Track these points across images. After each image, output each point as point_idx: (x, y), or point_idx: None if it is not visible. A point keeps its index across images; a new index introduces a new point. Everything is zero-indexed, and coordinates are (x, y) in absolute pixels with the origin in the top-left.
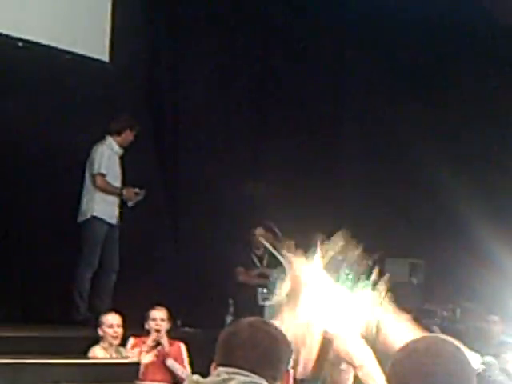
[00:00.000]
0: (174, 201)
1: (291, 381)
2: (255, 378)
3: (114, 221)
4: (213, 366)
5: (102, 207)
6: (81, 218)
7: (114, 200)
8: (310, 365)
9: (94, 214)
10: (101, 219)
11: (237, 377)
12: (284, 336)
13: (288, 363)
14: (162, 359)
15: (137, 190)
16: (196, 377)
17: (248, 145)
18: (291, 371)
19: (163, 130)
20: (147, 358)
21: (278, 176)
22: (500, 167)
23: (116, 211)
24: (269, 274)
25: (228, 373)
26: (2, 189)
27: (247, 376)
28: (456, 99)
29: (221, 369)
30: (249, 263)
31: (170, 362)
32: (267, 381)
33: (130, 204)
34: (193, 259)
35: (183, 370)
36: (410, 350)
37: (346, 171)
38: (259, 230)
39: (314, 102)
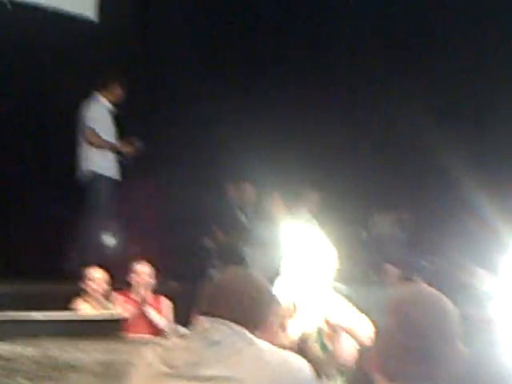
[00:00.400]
0: (162, 156)
1: (274, 331)
2: (237, 327)
3: (111, 175)
4: (196, 316)
5: (98, 161)
6: (80, 172)
7: (111, 155)
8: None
9: (93, 168)
10: (100, 174)
11: (220, 327)
12: (267, 286)
13: (271, 314)
14: (144, 317)
15: (137, 143)
16: (179, 327)
17: (234, 100)
18: (275, 322)
19: (153, 90)
20: (130, 311)
21: (262, 133)
22: (485, 120)
23: (113, 166)
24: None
25: (211, 323)
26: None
27: (230, 326)
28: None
29: (204, 319)
30: (232, 217)
31: (147, 310)
32: (250, 331)
33: (126, 160)
34: (176, 214)
35: (160, 318)
36: (395, 301)
37: (331, 126)
38: (247, 186)
39: (298, 58)
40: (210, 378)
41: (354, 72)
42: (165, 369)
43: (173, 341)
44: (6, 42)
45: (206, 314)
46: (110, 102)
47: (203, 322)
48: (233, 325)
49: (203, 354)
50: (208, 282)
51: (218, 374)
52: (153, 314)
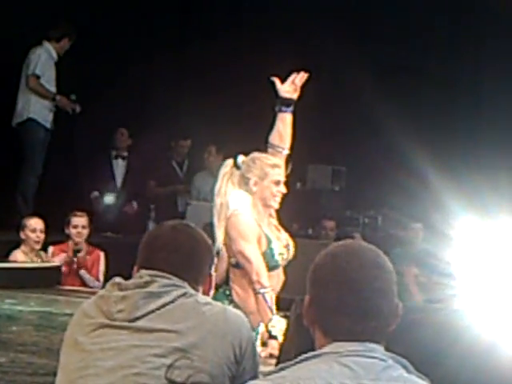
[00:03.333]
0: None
1: (213, 284)
2: (177, 280)
3: (48, 125)
4: (135, 268)
5: (37, 109)
6: (16, 120)
7: (49, 104)
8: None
9: (31, 115)
10: (37, 122)
11: (158, 279)
12: (206, 239)
13: (210, 267)
14: (77, 268)
15: (72, 96)
16: (118, 279)
17: (170, 59)
18: (214, 275)
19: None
20: (66, 264)
21: (201, 88)
22: (421, 74)
23: (50, 116)
24: (181, 190)
25: (150, 275)
26: None
27: (169, 279)
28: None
29: (143, 271)
30: (169, 170)
31: (82, 272)
32: (189, 284)
33: (73, 112)
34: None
35: (94, 281)
36: (331, 255)
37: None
38: (185, 142)
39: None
40: (148, 330)
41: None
42: (103, 319)
43: (112, 292)
44: None
45: (145, 267)
46: (56, 52)
47: (143, 274)
48: (172, 277)
49: (141, 305)
50: (146, 235)
51: (156, 325)
52: (87, 277)
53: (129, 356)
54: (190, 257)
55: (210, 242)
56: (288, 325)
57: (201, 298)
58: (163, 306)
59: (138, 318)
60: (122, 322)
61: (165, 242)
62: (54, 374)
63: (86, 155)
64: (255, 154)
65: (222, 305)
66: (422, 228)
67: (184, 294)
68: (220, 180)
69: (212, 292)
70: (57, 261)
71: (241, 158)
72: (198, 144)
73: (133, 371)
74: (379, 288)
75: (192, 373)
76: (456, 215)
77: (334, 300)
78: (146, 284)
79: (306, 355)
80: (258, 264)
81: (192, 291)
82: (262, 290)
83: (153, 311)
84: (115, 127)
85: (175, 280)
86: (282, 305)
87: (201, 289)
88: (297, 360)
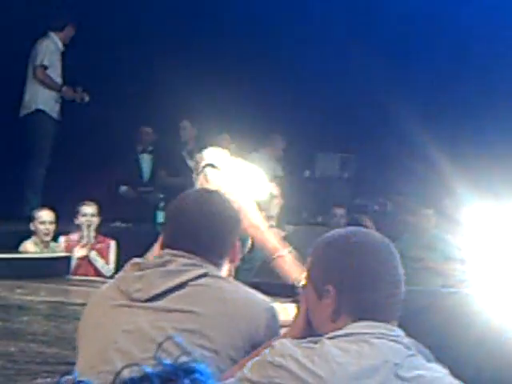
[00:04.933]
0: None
1: (237, 253)
2: (198, 260)
3: (56, 116)
4: (159, 246)
5: (45, 100)
6: (24, 112)
7: (56, 95)
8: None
9: (39, 106)
10: (45, 113)
11: (178, 258)
12: (231, 208)
13: (236, 235)
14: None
15: (78, 88)
16: (138, 259)
17: (180, 40)
18: (238, 244)
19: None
20: (80, 253)
21: (207, 75)
22: (430, 60)
23: (58, 106)
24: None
25: (170, 254)
26: None
27: (189, 258)
28: None
29: (166, 250)
30: (178, 160)
31: (92, 254)
32: (214, 260)
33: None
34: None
35: (103, 264)
36: (343, 238)
37: (276, 66)
38: (186, 124)
39: None
40: (165, 310)
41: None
42: (122, 299)
43: (131, 272)
44: None
45: (169, 246)
46: (62, 42)
47: (164, 253)
48: (193, 256)
49: (158, 283)
50: (170, 208)
51: (173, 306)
52: (97, 259)
53: (145, 338)
54: (215, 233)
55: (235, 210)
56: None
57: (222, 278)
58: (181, 285)
59: (155, 297)
60: (140, 303)
61: (188, 219)
62: (65, 363)
63: (112, 148)
64: None
65: (245, 288)
66: (433, 213)
67: (204, 274)
68: None
69: (238, 260)
70: (77, 254)
71: None
72: (208, 132)
73: (149, 355)
74: (393, 261)
75: (180, 354)
76: (466, 201)
77: (361, 278)
78: (165, 263)
79: (334, 333)
80: None
81: (213, 271)
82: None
83: (170, 290)
84: (138, 125)
85: (196, 259)
86: (289, 291)
87: (226, 260)
88: (329, 335)
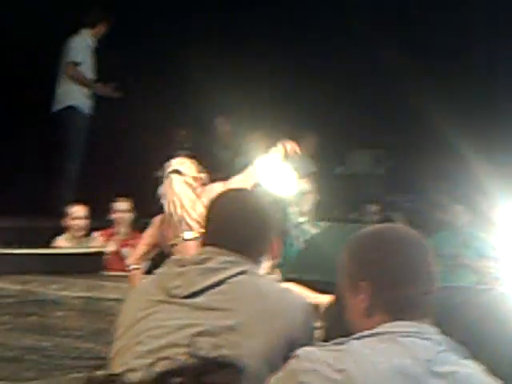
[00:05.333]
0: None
1: (280, 248)
2: (236, 257)
3: (88, 111)
4: (200, 243)
5: (77, 96)
6: (56, 107)
7: (88, 91)
8: None
9: (71, 102)
10: (77, 108)
11: (217, 256)
12: (270, 206)
13: (276, 232)
14: (120, 246)
15: (111, 84)
16: (178, 256)
17: (215, 38)
18: (280, 238)
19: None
20: (112, 248)
21: (239, 69)
22: (462, 57)
23: (90, 102)
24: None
25: (209, 252)
26: None
27: (228, 255)
28: None
29: (205, 248)
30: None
31: (125, 251)
32: (254, 257)
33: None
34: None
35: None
36: (377, 233)
37: (308, 62)
38: (221, 121)
39: None
40: (203, 307)
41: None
42: (161, 296)
43: (171, 268)
44: None
45: (207, 243)
46: (94, 39)
47: (203, 251)
48: (232, 254)
49: (197, 280)
50: (209, 206)
51: (211, 303)
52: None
53: (181, 334)
54: (254, 230)
55: (272, 207)
56: (330, 309)
57: (260, 276)
58: (219, 282)
59: (194, 294)
60: (179, 299)
61: (227, 216)
62: (99, 358)
63: (149, 144)
64: None
65: (282, 285)
66: (465, 211)
67: (242, 272)
68: None
69: (279, 257)
70: (102, 246)
71: None
72: (242, 128)
73: (183, 350)
74: (427, 257)
75: (214, 348)
76: (500, 200)
77: (395, 274)
78: (204, 260)
79: (361, 333)
80: None
81: (252, 268)
82: None
83: (209, 288)
84: (174, 122)
85: (235, 257)
86: (321, 287)
87: (266, 258)
88: (355, 336)
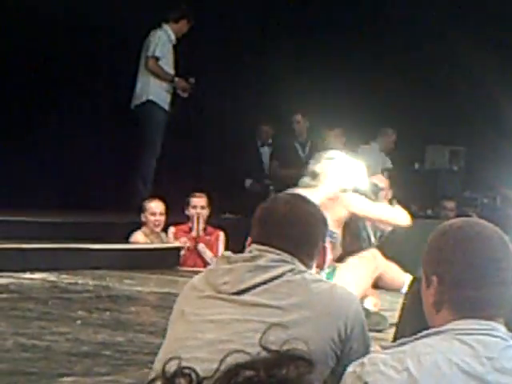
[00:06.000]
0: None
1: (327, 256)
2: (286, 256)
3: (167, 106)
4: (248, 242)
5: (156, 91)
6: (135, 102)
7: (167, 86)
8: None
9: (150, 97)
10: (156, 103)
11: (267, 254)
12: (320, 211)
13: (324, 239)
14: (196, 242)
15: (191, 79)
16: (228, 252)
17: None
18: (328, 246)
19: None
20: (187, 244)
21: (318, 69)
22: None
23: (169, 97)
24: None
25: (259, 250)
26: (58, 73)
27: (278, 254)
28: None
29: (254, 246)
30: (291, 152)
31: (200, 247)
32: (303, 259)
33: (183, 95)
34: (230, 150)
35: (212, 257)
36: (453, 230)
37: (385, 60)
38: (299, 117)
39: None
40: (252, 304)
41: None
42: (209, 291)
43: (220, 265)
44: None
45: (257, 241)
46: (175, 34)
47: (252, 248)
48: (282, 252)
49: (246, 278)
50: (260, 209)
51: (260, 300)
52: (205, 252)
53: (229, 330)
54: (304, 233)
55: (323, 213)
56: (404, 302)
57: (309, 274)
58: (269, 280)
59: (242, 291)
60: (227, 295)
61: (279, 217)
62: (173, 357)
63: (233, 142)
64: None
65: (330, 282)
66: None
67: (291, 270)
68: None
69: (327, 264)
70: (180, 243)
71: None
72: (321, 125)
73: (230, 346)
74: (504, 258)
75: (287, 338)
76: None
77: (463, 273)
78: (254, 258)
79: (426, 332)
80: None
81: (301, 267)
82: None
83: (258, 285)
84: (259, 120)
85: (284, 256)
86: None
87: (315, 262)
88: (417, 336)
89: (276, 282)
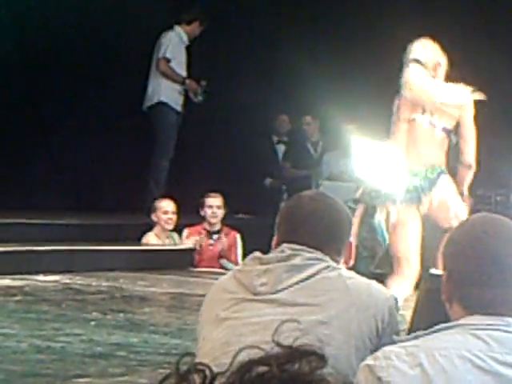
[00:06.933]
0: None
1: (353, 250)
2: (319, 254)
3: (179, 108)
4: (274, 241)
5: (168, 93)
6: (147, 104)
7: (179, 87)
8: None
9: (161, 99)
10: (167, 105)
11: (301, 253)
12: (345, 208)
13: (349, 235)
14: (216, 250)
15: (202, 82)
16: (258, 253)
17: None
18: (352, 241)
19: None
20: (200, 245)
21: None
22: None
23: (181, 99)
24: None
25: (292, 249)
26: (70, 75)
27: (311, 252)
28: None
29: (285, 245)
30: (303, 152)
31: (223, 262)
32: (332, 256)
33: (196, 100)
34: (245, 149)
35: (233, 266)
36: (467, 226)
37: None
38: (308, 118)
39: None
40: (291, 303)
41: None
42: (244, 293)
43: (253, 266)
44: None
45: (286, 240)
46: (187, 36)
47: (284, 248)
48: (314, 250)
49: (284, 278)
50: (285, 207)
51: (298, 299)
52: (229, 265)
53: (272, 331)
54: (332, 228)
55: (347, 210)
56: (418, 299)
57: (344, 271)
58: (306, 278)
59: (280, 291)
60: (265, 296)
61: (306, 214)
62: (186, 354)
63: (248, 140)
64: None
65: (365, 279)
66: None
67: (327, 267)
68: None
69: (352, 261)
70: (190, 243)
71: None
72: (331, 123)
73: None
74: None
75: (299, 335)
76: None
77: (475, 271)
78: (289, 257)
79: (440, 326)
80: None
81: (335, 264)
82: None
83: (296, 284)
84: (274, 114)
85: (318, 253)
86: None
87: (342, 259)
88: (432, 330)
89: (313, 279)
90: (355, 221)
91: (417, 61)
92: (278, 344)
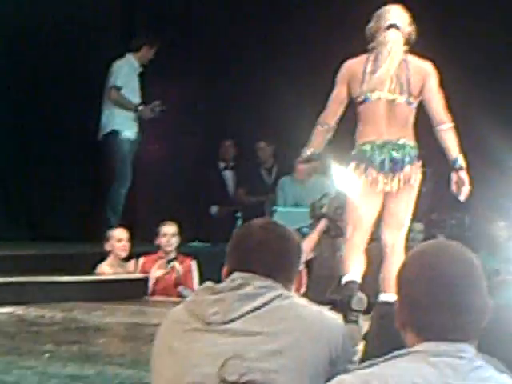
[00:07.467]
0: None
1: (304, 279)
2: (271, 282)
3: (133, 136)
4: (225, 270)
5: (121, 121)
6: (102, 133)
7: (133, 115)
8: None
9: (115, 127)
10: (122, 133)
11: (254, 282)
12: (295, 236)
13: (299, 263)
14: (172, 278)
15: (156, 103)
16: (209, 283)
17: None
18: (303, 270)
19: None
20: (158, 273)
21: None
22: None
23: (135, 126)
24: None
25: (244, 278)
26: (23, 105)
27: (263, 281)
28: None
29: (236, 274)
30: (256, 178)
31: (180, 289)
32: (283, 283)
33: (145, 117)
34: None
35: (191, 293)
36: (419, 253)
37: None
38: (262, 144)
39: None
40: (244, 333)
41: None
42: (197, 324)
43: (204, 296)
44: None
45: (237, 269)
46: (139, 62)
47: (235, 277)
48: (266, 278)
49: (236, 307)
50: (235, 235)
51: (251, 328)
52: (185, 293)
53: (222, 362)
54: (283, 256)
55: (298, 238)
56: (370, 327)
57: (297, 299)
58: (259, 307)
59: (232, 321)
60: (217, 326)
61: (256, 242)
62: None
63: (194, 167)
64: None
65: (318, 307)
66: (507, 226)
67: (279, 296)
68: None
69: (303, 289)
70: (155, 274)
71: None
72: (285, 148)
73: (232, 377)
74: (471, 283)
75: (244, 371)
76: None
77: (426, 297)
78: (240, 286)
79: (394, 353)
80: None
81: (287, 292)
82: None
83: (248, 313)
84: (220, 139)
85: (269, 282)
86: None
87: (293, 287)
88: (386, 357)
89: (265, 308)
90: (314, 236)
91: (396, 26)
92: (224, 380)
